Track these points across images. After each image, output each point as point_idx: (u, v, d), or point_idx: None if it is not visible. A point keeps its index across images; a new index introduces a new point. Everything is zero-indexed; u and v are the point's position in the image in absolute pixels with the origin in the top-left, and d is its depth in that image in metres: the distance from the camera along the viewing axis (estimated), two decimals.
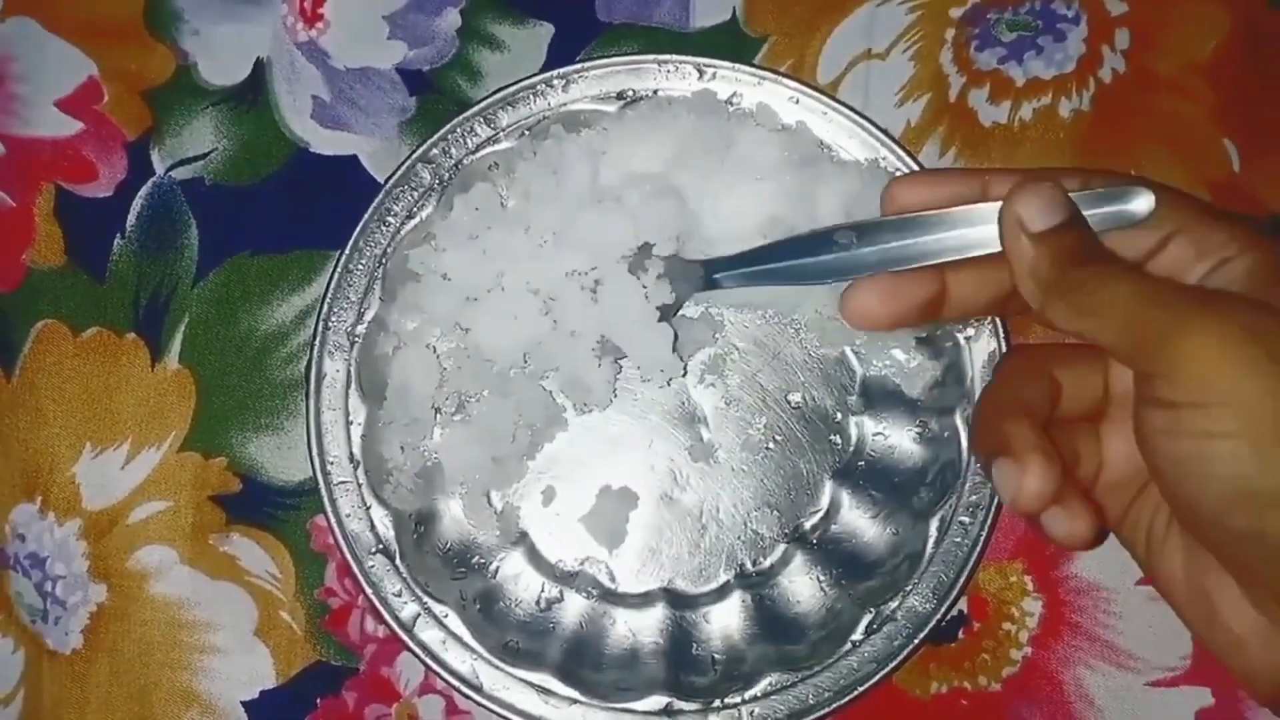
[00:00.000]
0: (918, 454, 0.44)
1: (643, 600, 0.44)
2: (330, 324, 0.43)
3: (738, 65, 0.44)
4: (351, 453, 0.42)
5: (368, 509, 0.42)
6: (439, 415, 0.43)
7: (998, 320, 0.42)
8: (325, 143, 0.47)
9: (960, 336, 0.42)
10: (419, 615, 0.41)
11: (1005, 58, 0.47)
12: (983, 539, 0.41)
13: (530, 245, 0.42)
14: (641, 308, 0.41)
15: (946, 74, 0.47)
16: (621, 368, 0.43)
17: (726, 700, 0.41)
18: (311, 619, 0.45)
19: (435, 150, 0.44)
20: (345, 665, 0.45)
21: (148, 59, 0.48)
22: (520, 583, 0.44)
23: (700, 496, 0.44)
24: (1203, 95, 0.46)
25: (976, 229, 0.33)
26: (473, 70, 0.48)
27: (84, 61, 0.48)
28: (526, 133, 0.44)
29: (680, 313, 0.44)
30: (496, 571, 0.44)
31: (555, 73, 0.44)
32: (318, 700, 0.45)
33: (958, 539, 0.41)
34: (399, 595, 0.41)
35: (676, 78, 0.44)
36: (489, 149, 0.44)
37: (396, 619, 0.41)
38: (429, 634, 0.41)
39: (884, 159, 0.43)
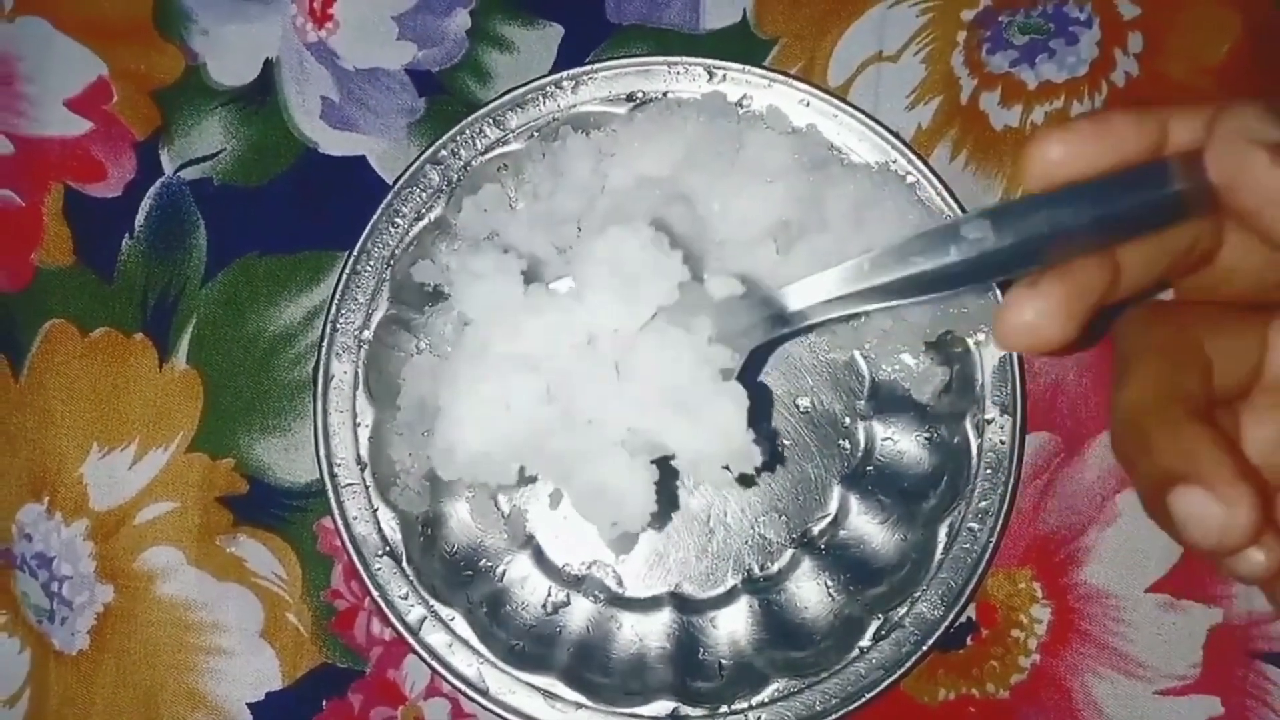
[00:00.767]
0: (927, 459, 0.44)
1: (650, 604, 0.44)
2: (338, 325, 0.43)
3: (748, 67, 0.44)
4: (359, 455, 0.42)
5: (375, 511, 0.42)
6: None
7: None
8: (334, 143, 0.47)
9: (970, 341, 0.42)
10: (425, 618, 0.41)
11: (1017, 60, 0.47)
12: (991, 545, 0.41)
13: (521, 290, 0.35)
14: (692, 374, 0.32)
15: (958, 77, 0.47)
16: (658, 472, 0.33)
17: (733, 706, 0.41)
18: (318, 621, 0.45)
19: (444, 151, 0.44)
20: (351, 667, 0.45)
21: (157, 59, 0.48)
22: (527, 586, 0.44)
23: (708, 501, 0.44)
24: (1215, 97, 0.45)
25: (1162, 190, 0.26)
26: (482, 71, 0.47)
27: (93, 61, 0.48)
28: (536, 134, 0.44)
29: None
30: (503, 575, 0.44)
31: (565, 74, 0.44)
32: (324, 702, 0.45)
33: (966, 545, 0.41)
34: (405, 598, 0.41)
35: (686, 80, 0.44)
36: (498, 150, 0.44)
37: (403, 621, 0.41)
38: (435, 637, 0.41)
39: (894, 162, 0.43)
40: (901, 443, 0.44)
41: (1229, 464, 0.25)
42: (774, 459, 0.44)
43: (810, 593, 0.43)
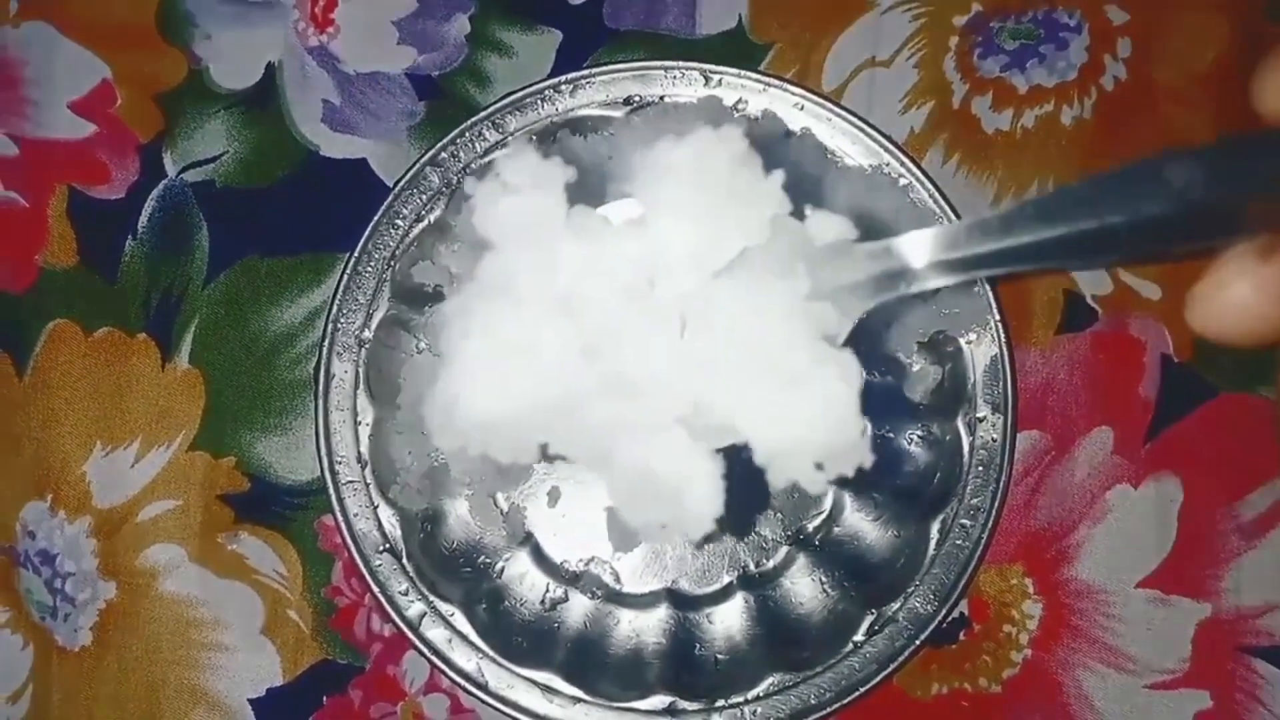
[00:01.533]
0: (920, 457, 0.44)
1: (647, 601, 0.44)
2: (339, 325, 0.43)
3: (743, 72, 0.44)
4: (359, 453, 0.43)
5: (375, 509, 0.42)
6: None
7: (998, 324, 0.42)
8: (335, 146, 0.48)
9: (962, 340, 0.43)
10: (425, 614, 0.42)
11: (1008, 65, 0.47)
12: (983, 542, 0.42)
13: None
14: (785, 336, 0.24)
15: (950, 81, 0.47)
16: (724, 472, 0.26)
17: (729, 700, 0.41)
18: (318, 617, 0.45)
19: (444, 154, 0.44)
20: (351, 664, 0.45)
21: (160, 63, 0.48)
22: (525, 583, 0.44)
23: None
24: (1203, 104, 0.47)
25: None
26: (481, 75, 0.48)
27: (98, 65, 0.48)
28: (534, 137, 0.44)
29: None
30: (502, 571, 0.44)
31: (563, 78, 0.44)
32: (324, 698, 0.45)
33: (959, 541, 0.42)
34: (405, 594, 0.42)
35: (683, 84, 0.44)
36: (497, 153, 0.44)
37: (403, 617, 0.42)
38: (435, 632, 0.42)
39: (888, 165, 0.43)
40: (895, 441, 0.44)
41: None
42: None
43: (805, 589, 0.44)
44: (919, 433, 0.44)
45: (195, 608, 0.45)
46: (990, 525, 0.42)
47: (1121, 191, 0.22)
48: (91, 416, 0.47)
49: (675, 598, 0.44)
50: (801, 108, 0.44)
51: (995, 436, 0.42)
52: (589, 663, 0.43)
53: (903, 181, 0.43)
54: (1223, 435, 0.44)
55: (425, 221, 0.44)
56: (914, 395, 0.44)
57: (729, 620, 0.44)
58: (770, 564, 0.44)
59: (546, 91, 0.44)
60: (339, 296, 0.43)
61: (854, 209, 0.41)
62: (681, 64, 0.44)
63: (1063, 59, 0.47)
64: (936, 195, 0.43)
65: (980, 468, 0.42)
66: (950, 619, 0.42)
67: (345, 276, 0.43)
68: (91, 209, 0.48)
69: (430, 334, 0.44)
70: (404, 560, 0.42)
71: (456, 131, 0.44)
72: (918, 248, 0.25)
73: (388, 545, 0.42)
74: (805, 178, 0.42)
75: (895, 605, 0.41)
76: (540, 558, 0.45)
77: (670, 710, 0.41)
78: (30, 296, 0.47)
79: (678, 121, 0.42)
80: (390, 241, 0.44)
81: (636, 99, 0.44)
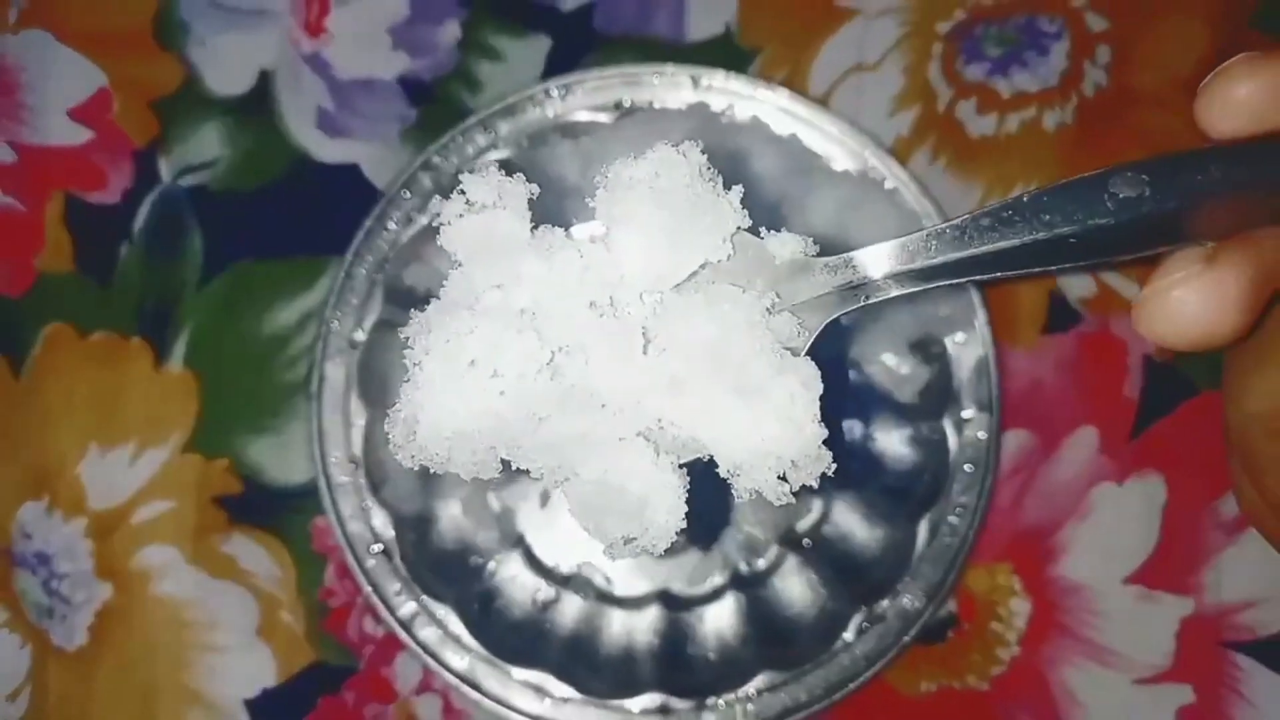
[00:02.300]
0: (908, 457, 0.44)
1: (638, 602, 0.45)
2: (332, 328, 0.44)
3: (732, 77, 0.45)
4: (352, 455, 0.43)
5: (368, 510, 0.43)
6: None
7: (984, 325, 0.43)
8: (328, 151, 0.48)
9: (949, 342, 0.43)
10: (418, 614, 0.42)
11: (992, 71, 0.48)
12: (971, 540, 0.42)
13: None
14: (746, 349, 0.25)
15: (935, 87, 0.48)
16: (688, 485, 0.26)
17: (721, 698, 0.41)
18: (312, 619, 0.46)
19: (436, 158, 0.45)
20: (345, 665, 0.45)
21: (156, 70, 0.49)
22: (517, 584, 0.45)
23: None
24: (1183, 108, 0.47)
25: None
26: (473, 80, 0.49)
27: (95, 72, 0.49)
28: (525, 141, 0.45)
29: None
30: (494, 573, 0.45)
31: (553, 83, 0.45)
32: (318, 699, 0.45)
33: (947, 540, 0.42)
34: (398, 594, 0.42)
35: (672, 89, 0.45)
36: (488, 156, 0.45)
37: (396, 617, 0.42)
38: (427, 633, 0.42)
39: (874, 169, 0.44)
40: (883, 441, 0.45)
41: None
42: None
43: (795, 588, 0.44)
44: (907, 433, 0.45)
45: (190, 609, 0.46)
46: (978, 524, 0.42)
47: (1069, 203, 0.23)
48: (87, 419, 0.47)
49: (666, 598, 0.44)
50: (789, 113, 0.45)
51: (982, 436, 0.43)
52: (581, 662, 0.43)
53: (889, 185, 0.44)
54: (1205, 433, 0.45)
55: (418, 225, 0.44)
56: (902, 396, 0.44)
57: (720, 620, 0.44)
58: (761, 564, 0.45)
59: (537, 96, 0.45)
60: (332, 300, 0.44)
61: (840, 212, 0.42)
62: (670, 67, 0.45)
63: (1045, 65, 0.48)
64: (923, 199, 0.44)
65: (968, 467, 0.43)
66: (939, 617, 0.43)
67: (338, 280, 0.44)
68: (88, 214, 0.48)
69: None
70: (396, 561, 0.42)
71: (448, 136, 0.45)
72: (876, 260, 0.26)
73: (381, 546, 0.43)
74: (792, 182, 0.43)
75: (885, 604, 0.42)
76: (532, 559, 0.45)
77: (662, 709, 0.41)
78: (27, 300, 0.48)
79: (666, 126, 0.44)
80: (383, 245, 0.44)
81: (626, 104, 0.45)
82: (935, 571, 0.42)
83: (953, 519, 0.42)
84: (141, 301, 0.47)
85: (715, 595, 0.44)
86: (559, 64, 0.48)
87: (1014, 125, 0.48)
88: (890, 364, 0.45)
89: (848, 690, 0.41)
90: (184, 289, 0.48)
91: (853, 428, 0.45)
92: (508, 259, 0.26)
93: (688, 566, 0.45)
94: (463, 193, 0.26)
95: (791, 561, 0.44)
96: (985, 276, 0.25)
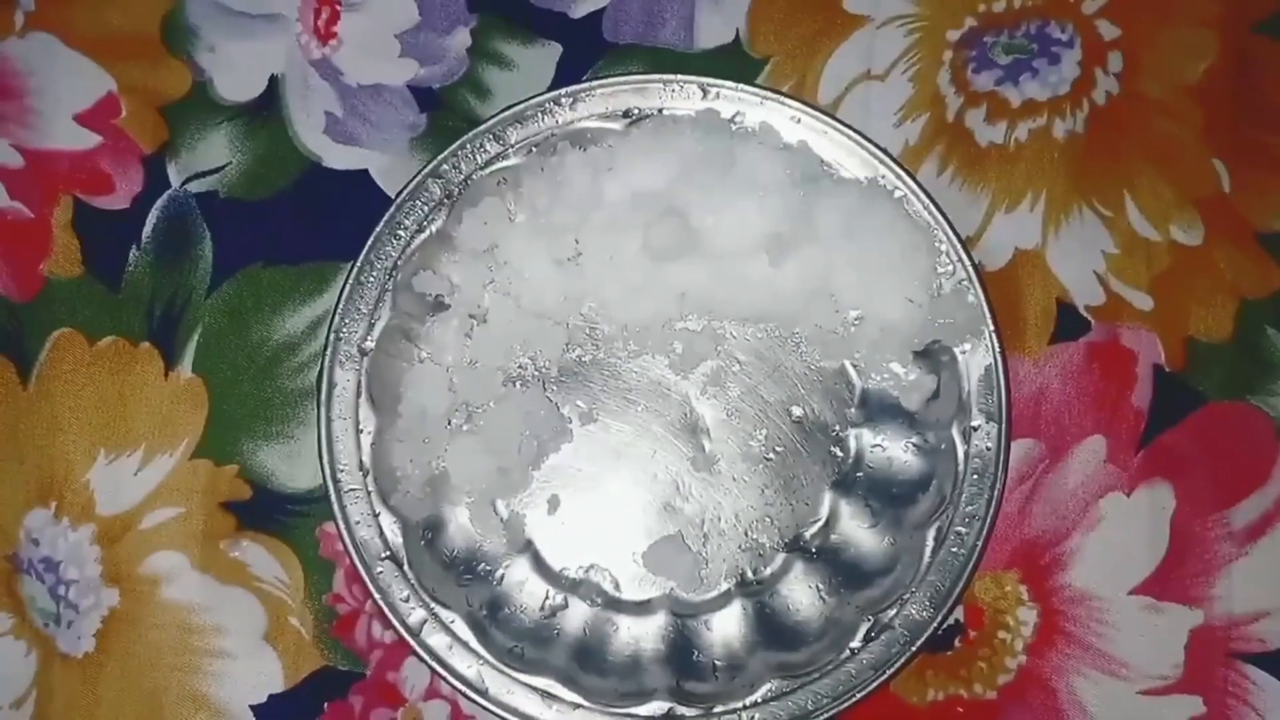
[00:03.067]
0: (915, 466, 0.44)
1: (645, 608, 0.44)
2: (341, 335, 0.44)
3: (740, 85, 0.45)
4: (361, 461, 0.43)
5: (376, 516, 0.43)
6: (450, 425, 0.44)
7: (992, 334, 0.43)
8: (337, 157, 0.48)
9: (956, 350, 0.43)
10: (426, 620, 0.42)
11: (1001, 79, 0.48)
12: (978, 549, 0.42)
13: None
14: None
15: (944, 95, 0.48)
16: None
17: (727, 706, 0.41)
18: (319, 624, 0.46)
19: (445, 165, 0.45)
20: (352, 670, 0.46)
21: (164, 75, 0.49)
22: (525, 590, 0.45)
23: (702, 506, 0.45)
24: (1193, 116, 0.47)
25: None
26: (482, 88, 0.49)
27: (102, 77, 0.49)
28: (534, 149, 0.45)
29: (681, 325, 0.45)
30: (502, 578, 0.45)
31: (563, 91, 0.45)
32: (325, 704, 0.45)
33: (954, 549, 0.42)
34: (406, 601, 0.42)
35: (681, 97, 0.45)
36: (498, 165, 0.45)
37: (404, 624, 0.42)
38: (435, 639, 0.42)
39: (883, 177, 0.44)
40: (890, 449, 0.45)
41: None
42: (766, 464, 0.45)
43: (802, 596, 0.44)
44: (914, 441, 0.45)
45: (197, 614, 0.46)
46: (985, 532, 0.42)
47: None
48: (95, 425, 0.47)
49: (674, 604, 0.44)
50: (798, 120, 0.45)
51: (990, 445, 0.43)
52: (588, 668, 0.43)
53: (898, 193, 0.44)
54: (1214, 443, 0.45)
55: (427, 232, 0.44)
56: (909, 404, 0.44)
57: (727, 627, 0.44)
58: (768, 571, 0.45)
59: (546, 104, 0.45)
60: (341, 306, 0.44)
61: (849, 220, 0.42)
62: (680, 77, 0.45)
63: (1055, 73, 0.48)
64: (931, 206, 0.44)
65: (975, 476, 0.42)
66: (946, 626, 0.42)
67: (347, 286, 0.44)
68: (96, 219, 0.48)
69: (432, 343, 0.45)
70: (405, 568, 0.42)
71: (458, 143, 0.45)
72: None
73: (389, 553, 0.43)
74: (801, 189, 0.43)
75: (892, 612, 0.42)
76: (540, 565, 0.45)
77: (669, 716, 0.41)
78: (35, 306, 0.48)
79: (676, 133, 0.44)
80: (392, 252, 0.44)
81: (636, 111, 0.45)
82: (942, 580, 0.42)
83: (960, 528, 0.42)
84: (150, 307, 0.48)
85: (722, 601, 0.44)
86: (568, 71, 0.48)
87: (1023, 133, 0.47)
88: (898, 372, 0.45)
89: (854, 698, 0.41)
90: (193, 295, 0.48)
91: (860, 435, 0.45)
92: None
93: (695, 572, 0.45)
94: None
95: (798, 569, 0.44)
96: None
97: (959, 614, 0.45)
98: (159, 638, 0.46)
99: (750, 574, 0.45)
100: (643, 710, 0.41)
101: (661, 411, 0.45)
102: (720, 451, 0.45)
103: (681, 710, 0.41)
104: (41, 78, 0.49)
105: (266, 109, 0.49)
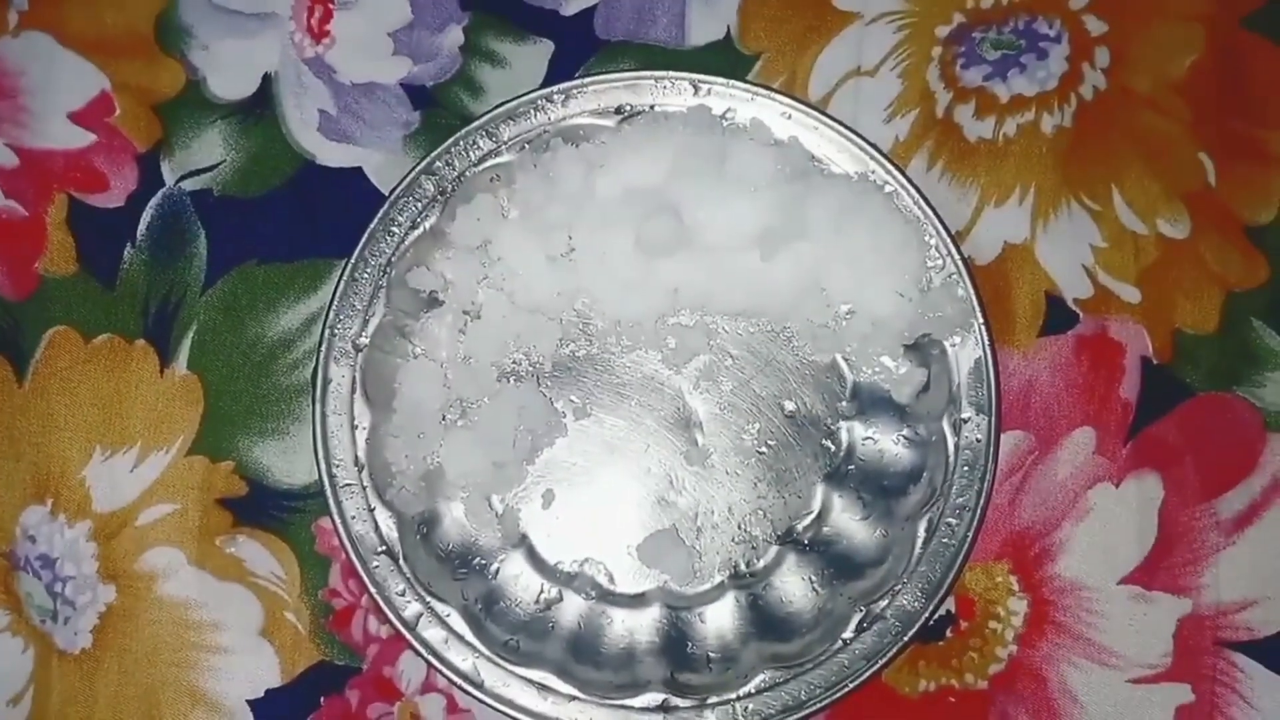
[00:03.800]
0: (906, 458, 0.45)
1: (639, 600, 0.45)
2: (336, 331, 0.44)
3: (732, 81, 0.45)
4: (356, 456, 0.43)
5: (372, 511, 0.43)
6: (444, 420, 0.44)
7: (981, 327, 0.43)
8: (331, 155, 0.48)
9: (947, 343, 0.44)
10: (422, 614, 0.42)
11: (990, 75, 0.48)
12: (969, 540, 0.42)
13: None
14: None
15: (933, 91, 0.48)
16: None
17: (721, 696, 0.42)
18: (316, 619, 0.46)
19: (438, 162, 0.45)
20: (349, 665, 0.46)
21: (158, 73, 0.49)
22: (520, 583, 0.45)
23: (696, 500, 0.45)
24: (1180, 111, 0.48)
25: None
26: (475, 85, 0.49)
27: (96, 75, 0.49)
28: (527, 146, 0.45)
29: (674, 320, 0.46)
30: (497, 572, 0.45)
31: (555, 88, 0.45)
32: (321, 699, 0.46)
33: (945, 540, 0.42)
34: (402, 595, 0.42)
35: (672, 93, 0.45)
36: (491, 161, 0.45)
37: (400, 618, 0.42)
38: (431, 632, 0.42)
39: (873, 172, 0.44)
40: (882, 442, 0.45)
41: None
42: (759, 458, 0.45)
43: (795, 587, 0.44)
44: (905, 434, 0.45)
45: (194, 610, 0.46)
46: (976, 524, 0.42)
47: None
48: (91, 422, 0.47)
49: (668, 597, 0.45)
50: (789, 116, 0.45)
51: (980, 437, 0.43)
52: (583, 661, 0.43)
53: (888, 188, 0.44)
54: (1201, 434, 0.45)
55: (421, 229, 0.45)
56: (900, 397, 0.45)
57: (720, 619, 0.44)
58: (760, 563, 0.45)
59: (539, 101, 0.45)
60: (335, 303, 0.44)
61: (840, 215, 0.43)
62: (671, 74, 0.45)
63: (1043, 68, 0.48)
64: (921, 201, 0.44)
65: (965, 468, 0.43)
66: (937, 616, 0.43)
67: (342, 283, 0.44)
68: (91, 217, 0.48)
69: (426, 339, 0.45)
70: (400, 562, 0.43)
71: (451, 140, 0.45)
72: None
73: (384, 547, 0.43)
74: (792, 185, 0.44)
75: (883, 603, 0.42)
76: (535, 559, 0.45)
77: (663, 707, 0.42)
78: (30, 303, 0.48)
79: (668, 129, 0.44)
80: (386, 248, 0.44)
81: (628, 108, 0.45)
82: (934, 571, 0.42)
83: (951, 519, 0.43)
84: (145, 305, 0.48)
85: (716, 594, 0.45)
86: (560, 69, 0.48)
87: (1012, 129, 0.48)
88: (889, 366, 0.45)
89: (847, 689, 0.41)
90: (188, 292, 0.48)
91: (852, 428, 0.45)
92: None
93: (688, 565, 0.45)
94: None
95: (791, 561, 0.45)
96: None
97: (950, 604, 0.45)
98: (156, 634, 0.46)
99: (743, 566, 0.45)
100: (637, 702, 0.42)
101: (655, 406, 0.46)
102: (713, 445, 0.45)
103: (676, 701, 0.42)
104: (35, 76, 0.49)
105: (260, 107, 0.49)
